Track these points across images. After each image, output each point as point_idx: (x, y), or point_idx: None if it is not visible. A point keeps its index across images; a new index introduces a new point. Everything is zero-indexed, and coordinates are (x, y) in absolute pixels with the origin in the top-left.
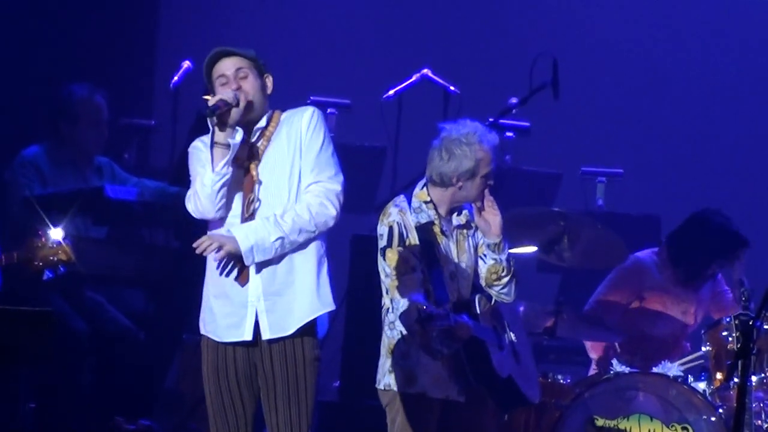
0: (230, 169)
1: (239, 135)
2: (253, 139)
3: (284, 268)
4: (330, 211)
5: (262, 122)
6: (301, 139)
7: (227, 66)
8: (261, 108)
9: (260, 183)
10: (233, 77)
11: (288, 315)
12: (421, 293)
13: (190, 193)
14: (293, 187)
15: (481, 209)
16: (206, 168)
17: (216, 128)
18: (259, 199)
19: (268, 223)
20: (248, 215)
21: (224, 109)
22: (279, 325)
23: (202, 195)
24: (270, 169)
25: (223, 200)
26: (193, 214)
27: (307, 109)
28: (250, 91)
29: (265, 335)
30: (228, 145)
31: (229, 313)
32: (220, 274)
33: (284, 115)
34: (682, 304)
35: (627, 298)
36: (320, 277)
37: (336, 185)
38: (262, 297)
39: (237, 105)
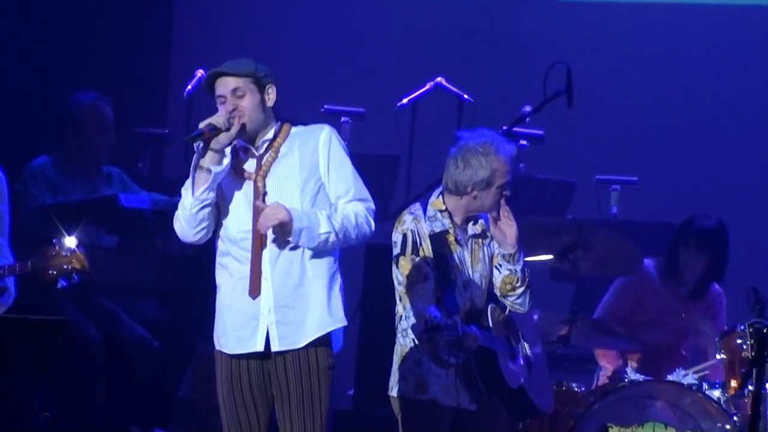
0: (211, 194)
1: (226, 161)
2: (261, 152)
3: (295, 281)
4: (368, 229)
5: (269, 134)
6: (318, 159)
7: (224, 87)
8: (263, 121)
9: (266, 194)
10: (230, 97)
11: (298, 328)
12: (432, 302)
13: (177, 213)
14: (305, 202)
15: (496, 219)
16: (188, 191)
17: (202, 152)
18: None
19: (321, 215)
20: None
21: (209, 134)
22: (289, 338)
23: (182, 217)
24: (278, 182)
25: (203, 224)
26: (178, 235)
27: (323, 129)
28: (247, 110)
29: (274, 347)
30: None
31: (240, 325)
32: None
33: (295, 129)
34: (680, 317)
35: (629, 304)
36: (332, 292)
37: (372, 206)
38: (273, 309)
39: (228, 129)
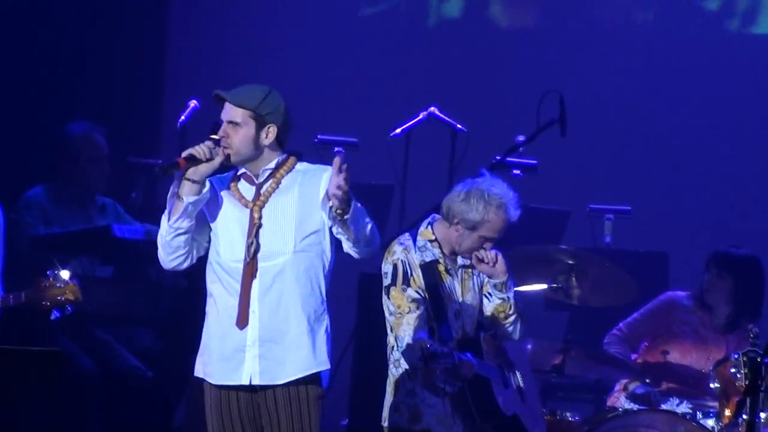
0: (187, 223)
1: (205, 191)
2: (261, 180)
3: (282, 317)
4: (377, 243)
5: (271, 164)
6: (320, 198)
7: (224, 112)
8: (251, 156)
9: (260, 226)
10: (225, 125)
11: (280, 364)
12: (425, 331)
13: (158, 239)
14: (299, 240)
15: (476, 262)
16: (164, 219)
17: (183, 180)
18: (258, 243)
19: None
20: (250, 258)
21: (186, 165)
22: (270, 373)
23: (159, 246)
24: (274, 215)
25: (179, 252)
26: (159, 260)
27: (326, 169)
28: (235, 144)
29: (255, 380)
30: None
31: (226, 356)
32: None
33: (300, 165)
34: (709, 348)
35: (656, 329)
36: (318, 333)
37: None
38: (258, 342)
39: (209, 160)
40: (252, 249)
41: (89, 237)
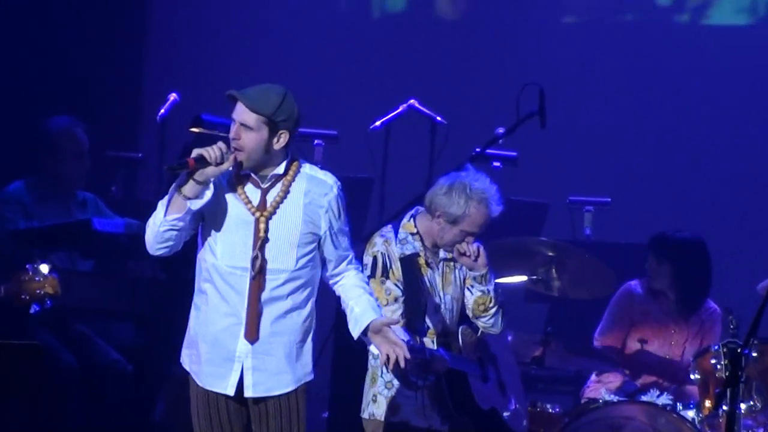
0: (181, 224)
1: (208, 193)
2: (267, 185)
3: (278, 328)
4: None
5: (279, 170)
6: (321, 221)
7: (237, 113)
8: (263, 160)
9: (267, 240)
10: (237, 126)
11: (272, 377)
12: (401, 325)
13: (149, 220)
14: (299, 257)
15: (455, 259)
16: (161, 207)
17: (185, 179)
18: (265, 258)
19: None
20: (255, 273)
21: (195, 166)
22: (263, 385)
23: (149, 230)
24: (279, 229)
25: (168, 243)
26: (146, 242)
27: (332, 188)
28: (247, 147)
29: (248, 393)
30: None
31: (214, 361)
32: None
33: (305, 169)
34: (671, 333)
35: (623, 327)
36: (308, 344)
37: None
38: (251, 354)
39: (218, 164)
40: (258, 264)
41: (69, 231)
